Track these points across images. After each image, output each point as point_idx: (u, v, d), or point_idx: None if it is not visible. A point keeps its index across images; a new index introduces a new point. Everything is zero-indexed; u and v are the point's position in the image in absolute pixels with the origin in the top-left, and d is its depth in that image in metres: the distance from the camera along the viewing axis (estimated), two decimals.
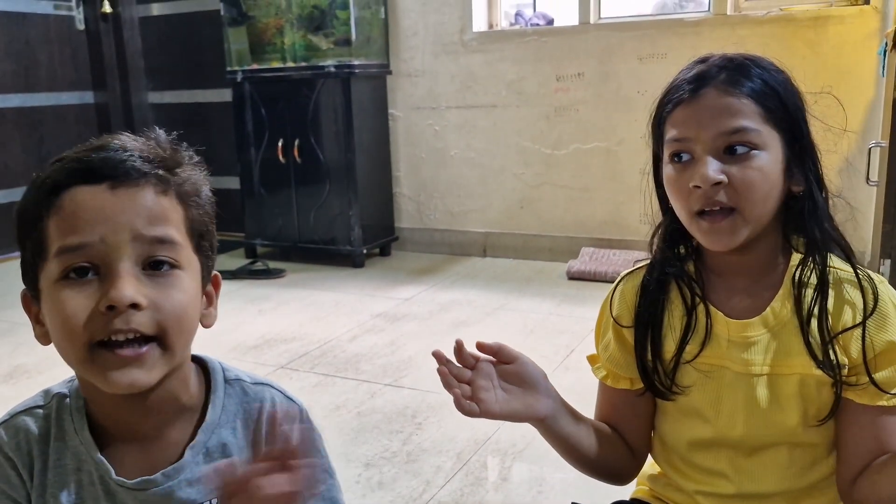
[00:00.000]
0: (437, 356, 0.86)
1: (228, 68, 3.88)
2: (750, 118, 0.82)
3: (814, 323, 0.85)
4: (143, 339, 0.67)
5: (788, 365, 0.86)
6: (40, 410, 0.76)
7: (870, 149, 2.21)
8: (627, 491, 1.04)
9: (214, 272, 0.78)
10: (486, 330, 2.75)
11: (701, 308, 0.90)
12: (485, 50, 3.73)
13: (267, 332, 2.80)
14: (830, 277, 0.86)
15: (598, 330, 1.00)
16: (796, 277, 0.86)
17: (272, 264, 3.70)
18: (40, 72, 4.26)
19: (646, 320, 0.92)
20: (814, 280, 0.86)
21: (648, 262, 0.96)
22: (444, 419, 1.99)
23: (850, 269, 0.86)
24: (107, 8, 4.44)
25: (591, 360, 1.02)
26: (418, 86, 3.89)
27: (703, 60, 0.88)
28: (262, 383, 0.81)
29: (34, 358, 2.51)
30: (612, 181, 3.57)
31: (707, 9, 3.39)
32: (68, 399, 0.76)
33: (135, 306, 0.66)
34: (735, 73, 0.84)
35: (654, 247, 0.95)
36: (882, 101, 2.58)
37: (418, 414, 2.05)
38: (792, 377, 0.86)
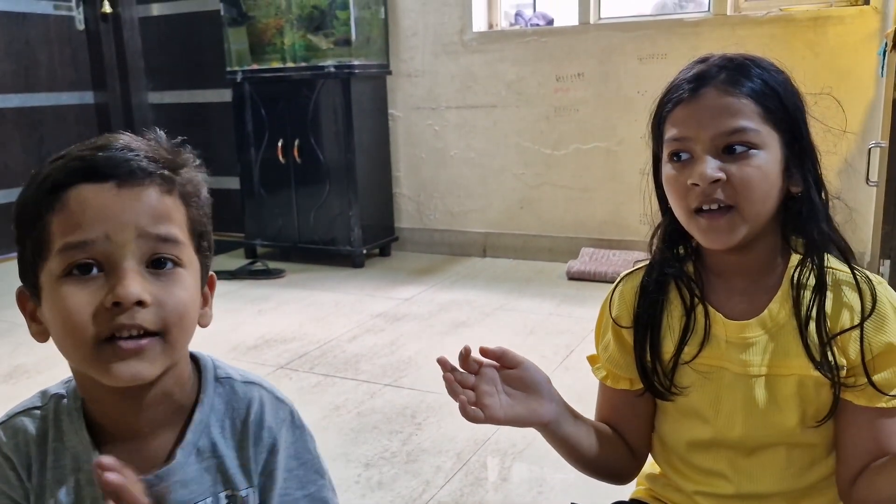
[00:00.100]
0: (442, 363, 0.85)
1: (228, 68, 3.88)
2: (749, 118, 0.82)
3: (812, 324, 0.85)
4: (146, 334, 0.68)
5: (787, 366, 0.86)
6: (38, 411, 0.76)
7: (869, 149, 2.21)
8: (627, 491, 1.04)
9: (210, 273, 0.78)
10: (486, 330, 2.75)
11: (700, 309, 0.90)
12: (485, 50, 3.73)
13: (266, 332, 2.80)
14: (829, 279, 0.86)
15: (598, 330, 1.01)
16: (795, 279, 0.86)
17: (272, 264, 3.70)
18: (40, 72, 4.26)
19: (645, 321, 0.92)
20: (812, 281, 0.86)
21: (648, 262, 0.96)
22: (444, 419, 1.99)
23: (849, 271, 0.86)
24: (107, 8, 4.44)
25: (591, 360, 1.02)
26: (418, 86, 3.89)
27: (703, 60, 0.88)
28: (253, 382, 0.81)
29: (34, 358, 2.51)
30: (612, 181, 3.57)
31: (707, 9, 3.39)
32: (65, 400, 0.76)
33: (140, 303, 0.66)
34: (735, 73, 0.84)
35: (654, 247, 0.95)
36: (882, 101, 2.58)
37: (418, 414, 2.05)
38: (790, 378, 0.86)
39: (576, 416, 0.95)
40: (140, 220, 0.68)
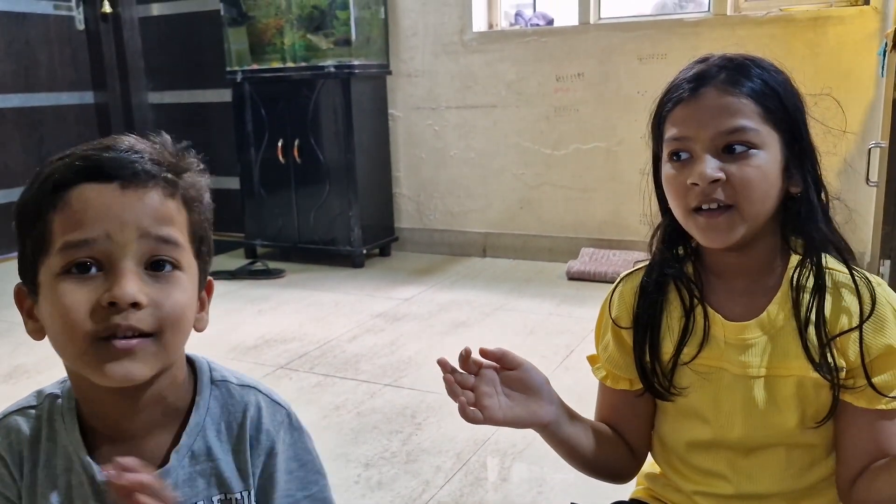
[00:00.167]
0: (442, 364, 0.86)
1: (228, 68, 3.88)
2: (749, 118, 0.82)
3: (811, 326, 0.84)
4: (140, 335, 0.68)
5: (786, 367, 0.86)
6: (33, 411, 0.76)
7: (869, 149, 2.21)
8: (627, 491, 1.04)
9: (208, 278, 0.78)
10: (486, 330, 2.75)
11: (699, 310, 0.90)
12: (485, 50, 3.73)
13: (266, 332, 2.80)
14: (829, 280, 0.86)
15: (598, 331, 1.01)
16: (794, 280, 0.86)
17: (272, 264, 3.70)
18: (40, 72, 4.26)
19: (644, 322, 0.92)
20: (811, 283, 0.86)
21: (648, 263, 0.96)
22: (444, 419, 1.99)
23: (848, 272, 0.86)
24: (107, 8, 4.44)
25: (591, 360, 1.02)
26: (418, 86, 3.89)
27: (703, 60, 0.88)
28: (249, 386, 0.81)
29: (34, 358, 2.51)
30: (612, 181, 3.57)
31: (707, 9, 3.39)
32: (60, 400, 0.76)
33: (135, 305, 0.66)
34: (735, 72, 0.84)
35: (654, 248, 0.95)
36: (882, 101, 2.57)
37: (418, 414, 2.05)
38: (789, 379, 0.86)
39: (575, 417, 0.95)
40: (142, 221, 0.68)
